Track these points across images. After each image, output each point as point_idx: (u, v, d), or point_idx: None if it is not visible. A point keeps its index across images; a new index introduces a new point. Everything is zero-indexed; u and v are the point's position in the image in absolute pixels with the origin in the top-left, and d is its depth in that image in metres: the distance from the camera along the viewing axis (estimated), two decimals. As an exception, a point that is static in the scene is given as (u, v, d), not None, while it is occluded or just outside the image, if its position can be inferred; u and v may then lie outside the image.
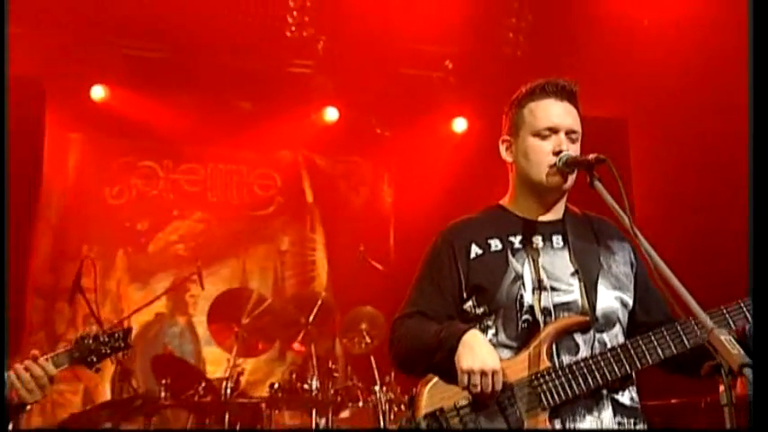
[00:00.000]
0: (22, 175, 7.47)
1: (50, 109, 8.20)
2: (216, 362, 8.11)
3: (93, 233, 8.79)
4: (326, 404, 6.22)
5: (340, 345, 7.39)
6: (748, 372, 2.32)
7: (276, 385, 6.51)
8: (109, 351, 3.44)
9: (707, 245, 7.35)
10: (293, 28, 8.30)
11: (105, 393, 7.73)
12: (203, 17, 7.77)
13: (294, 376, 6.51)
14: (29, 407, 3.24)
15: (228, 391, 6.29)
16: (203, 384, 6.48)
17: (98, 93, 8.52)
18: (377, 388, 6.24)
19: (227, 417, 6.20)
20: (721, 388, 2.38)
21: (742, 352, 2.36)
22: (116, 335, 3.47)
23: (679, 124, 7.96)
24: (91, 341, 3.40)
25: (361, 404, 6.36)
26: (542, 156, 3.05)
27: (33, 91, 7.75)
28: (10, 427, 3.37)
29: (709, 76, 7.54)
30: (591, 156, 2.96)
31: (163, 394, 6.26)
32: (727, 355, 2.37)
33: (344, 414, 6.41)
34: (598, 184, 2.92)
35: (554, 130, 3.06)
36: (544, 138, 3.06)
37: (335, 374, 6.43)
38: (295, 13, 8.27)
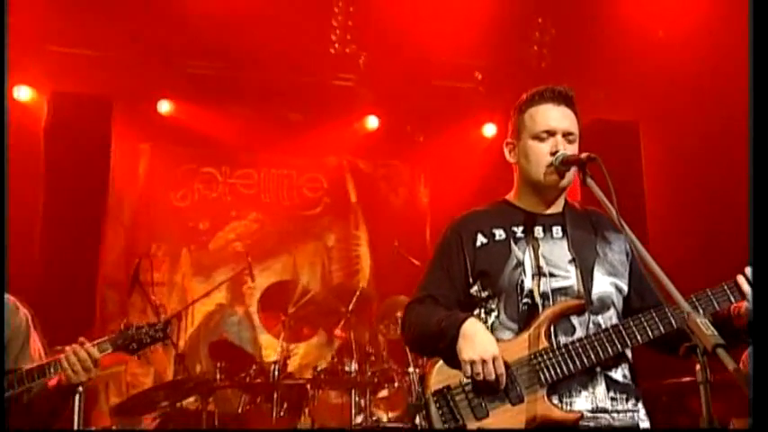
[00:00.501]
0: (91, 182, 7.67)
1: (122, 122, 8.34)
2: (271, 347, 8.16)
3: (160, 233, 8.90)
4: (365, 385, 6.21)
5: (376, 331, 7.37)
6: (721, 351, 2.29)
7: (319, 368, 6.54)
8: (149, 340, 3.44)
9: (716, 242, 7.22)
10: (337, 45, 8.31)
11: (171, 376, 7.82)
12: (256, 38, 7.81)
13: (335, 360, 6.53)
14: (80, 388, 3.28)
15: (277, 373, 6.32)
16: (254, 367, 6.51)
17: (164, 107, 8.66)
18: (410, 369, 6.20)
19: (275, 396, 6.21)
20: (698, 367, 2.34)
21: (716, 333, 2.34)
22: (156, 327, 3.47)
23: (689, 128, 7.83)
24: (133, 331, 3.42)
25: (396, 384, 6.33)
26: (541, 156, 3.04)
27: (101, 107, 7.86)
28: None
29: (717, 83, 7.42)
30: (583, 155, 2.96)
31: (218, 376, 6.31)
32: (702, 336, 2.33)
33: (382, 393, 6.37)
34: (590, 181, 2.90)
35: (551, 133, 3.04)
36: (542, 140, 3.05)
37: (373, 358, 6.41)
38: (338, 31, 8.28)
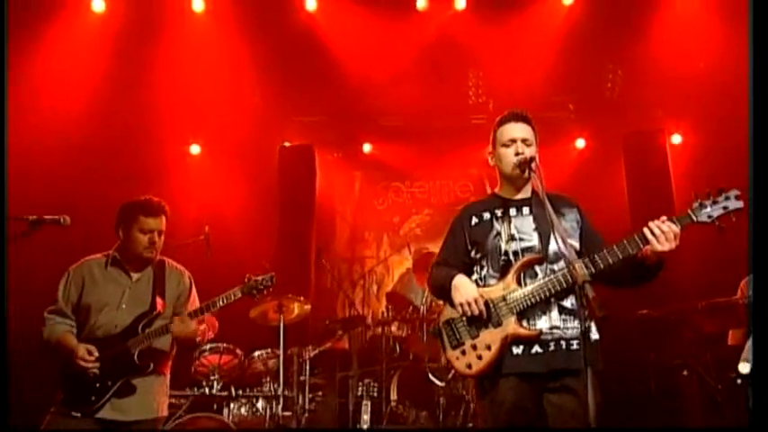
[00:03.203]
0: (301, 200, 8.11)
1: (342, 159, 8.84)
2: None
3: (370, 225, 9.15)
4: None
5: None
6: (586, 285, 2.19)
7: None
8: (262, 288, 3.36)
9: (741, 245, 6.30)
10: (473, 97, 8.35)
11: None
12: (419, 97, 7.95)
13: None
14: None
15: (425, 311, 6.38)
16: (411, 308, 6.57)
17: (367, 148, 8.98)
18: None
19: (424, 326, 6.24)
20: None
21: (587, 274, 2.32)
22: (266, 278, 3.38)
23: (721, 134, 6.91)
24: (252, 282, 3.35)
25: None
26: (508, 158, 3.02)
27: (307, 153, 8.32)
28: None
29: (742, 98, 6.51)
30: (529, 157, 2.89)
31: (389, 314, 6.43)
32: (578, 276, 2.28)
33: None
34: (533, 174, 2.87)
35: (513, 141, 3.00)
36: (508, 146, 3.03)
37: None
38: (473, 88, 8.33)
